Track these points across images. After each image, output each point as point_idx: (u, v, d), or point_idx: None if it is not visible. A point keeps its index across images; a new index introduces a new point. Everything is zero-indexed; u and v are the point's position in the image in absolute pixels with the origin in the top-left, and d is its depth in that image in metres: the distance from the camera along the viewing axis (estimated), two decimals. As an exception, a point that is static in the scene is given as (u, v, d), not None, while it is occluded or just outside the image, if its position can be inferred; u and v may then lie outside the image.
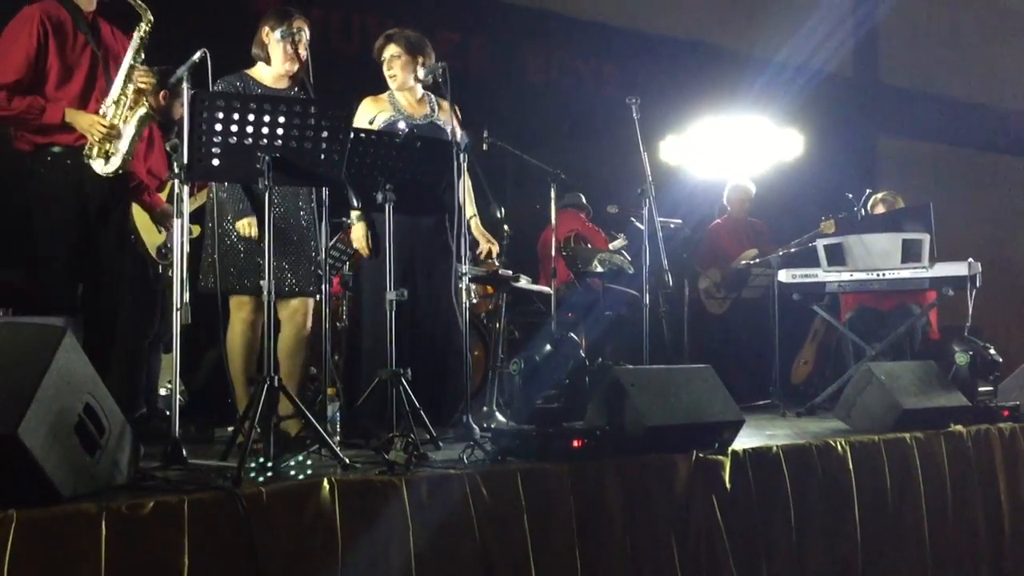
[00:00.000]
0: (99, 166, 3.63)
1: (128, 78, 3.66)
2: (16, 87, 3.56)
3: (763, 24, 8.88)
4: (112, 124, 3.62)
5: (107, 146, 3.63)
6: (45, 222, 3.67)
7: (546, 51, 8.23)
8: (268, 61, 3.98)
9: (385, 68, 4.39)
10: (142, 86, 3.67)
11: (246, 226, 3.82)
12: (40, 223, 3.68)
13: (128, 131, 3.65)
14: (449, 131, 4.33)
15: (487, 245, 4.54)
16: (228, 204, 3.86)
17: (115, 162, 3.64)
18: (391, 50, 4.36)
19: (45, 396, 2.40)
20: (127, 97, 3.66)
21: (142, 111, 3.66)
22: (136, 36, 3.66)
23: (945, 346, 5.57)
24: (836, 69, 9.64)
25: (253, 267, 3.80)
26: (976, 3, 10.76)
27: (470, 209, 4.49)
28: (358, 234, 4.19)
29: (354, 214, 4.18)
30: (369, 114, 4.30)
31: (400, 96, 4.41)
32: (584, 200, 6.83)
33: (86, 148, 3.63)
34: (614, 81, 8.48)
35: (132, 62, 3.66)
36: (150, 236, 4.42)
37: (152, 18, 3.67)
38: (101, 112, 3.64)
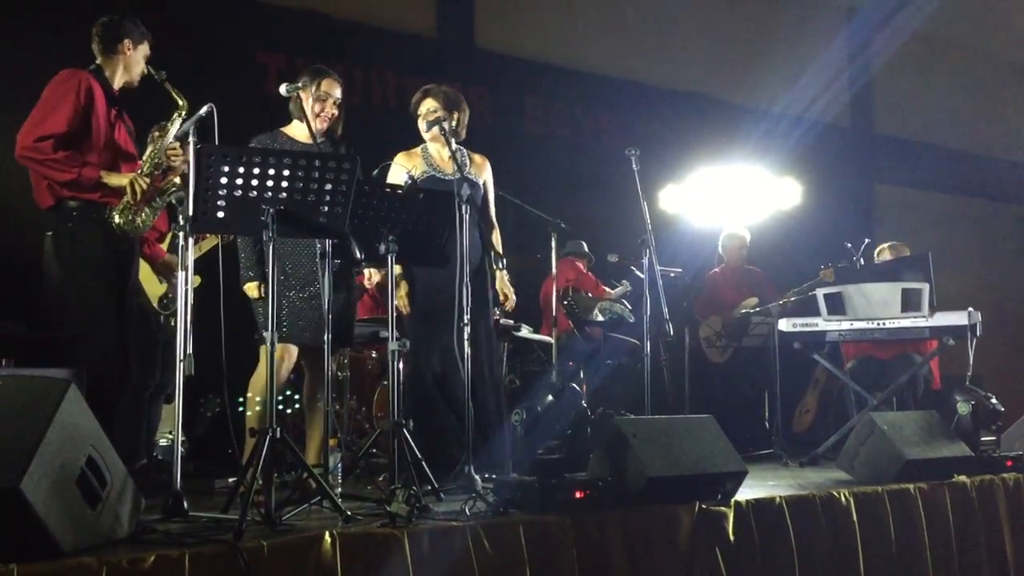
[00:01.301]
0: (122, 222, 3.70)
1: (164, 152, 3.79)
2: (62, 139, 3.66)
3: (761, 76, 9.01)
4: (148, 185, 3.72)
5: (135, 206, 3.71)
6: (79, 276, 3.70)
7: (545, 102, 8.33)
8: (301, 119, 4.08)
9: (421, 121, 4.45)
10: (174, 163, 3.84)
11: (252, 289, 3.95)
12: (76, 277, 3.71)
13: (159, 204, 3.81)
14: (482, 184, 4.41)
15: (507, 299, 4.60)
16: (242, 265, 4.02)
17: (138, 223, 3.74)
18: (428, 104, 4.44)
19: (48, 450, 2.40)
20: (159, 170, 3.80)
21: (171, 185, 3.81)
22: (178, 118, 3.81)
23: (947, 396, 5.57)
24: (833, 119, 9.77)
25: (298, 317, 3.97)
26: (968, 55, 10.93)
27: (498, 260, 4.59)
28: (400, 292, 4.27)
29: (396, 273, 4.23)
30: (403, 170, 4.34)
31: (433, 150, 4.46)
32: (586, 248, 6.86)
33: (119, 205, 3.70)
34: (613, 132, 8.57)
35: (172, 140, 3.81)
36: (151, 287, 4.45)
37: (188, 105, 3.80)
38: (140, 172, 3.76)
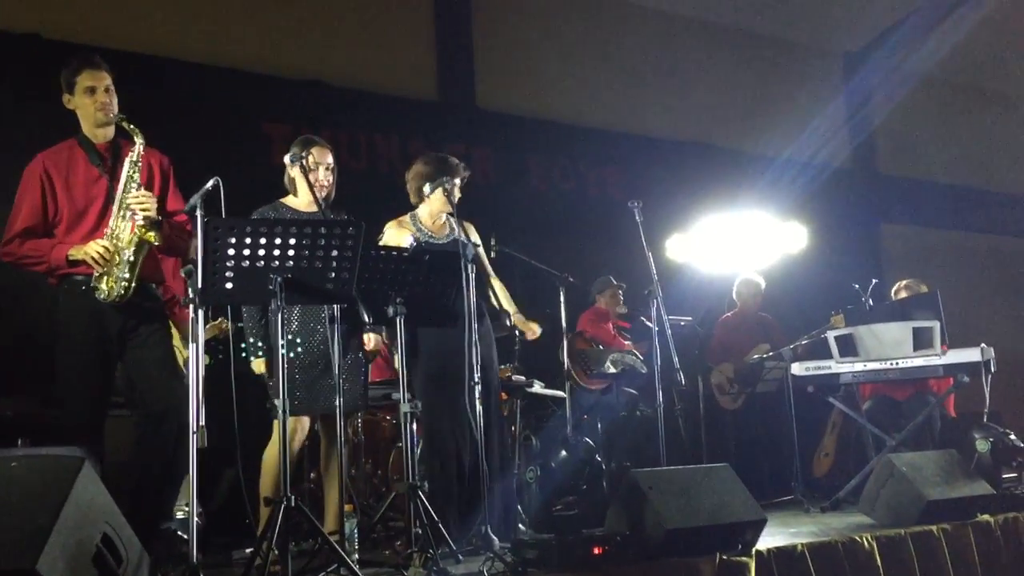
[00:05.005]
0: (101, 295, 3.59)
1: (121, 207, 3.62)
2: (26, 234, 3.64)
3: (764, 124, 9.09)
4: (109, 248, 3.56)
5: (113, 271, 3.59)
6: (64, 349, 3.68)
7: (548, 158, 8.40)
8: (295, 192, 4.14)
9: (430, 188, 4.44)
10: (142, 211, 3.60)
11: (260, 366, 3.95)
12: (60, 350, 3.69)
13: (126, 257, 3.59)
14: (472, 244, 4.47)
15: (531, 331, 4.64)
16: (249, 341, 3.99)
17: (116, 290, 3.58)
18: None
19: (64, 528, 2.41)
20: (122, 223, 3.61)
21: (139, 239, 3.59)
22: (127, 161, 3.67)
23: (964, 429, 5.52)
24: (836, 162, 9.83)
25: (310, 387, 3.93)
26: (965, 91, 11.02)
27: (509, 305, 4.63)
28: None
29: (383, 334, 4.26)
30: (394, 240, 4.39)
31: (424, 217, 4.51)
32: (613, 281, 6.78)
33: (93, 278, 3.61)
34: (618, 184, 8.63)
35: (124, 190, 3.64)
36: (180, 353, 4.41)
37: (143, 140, 3.68)
38: (104, 239, 3.60)
